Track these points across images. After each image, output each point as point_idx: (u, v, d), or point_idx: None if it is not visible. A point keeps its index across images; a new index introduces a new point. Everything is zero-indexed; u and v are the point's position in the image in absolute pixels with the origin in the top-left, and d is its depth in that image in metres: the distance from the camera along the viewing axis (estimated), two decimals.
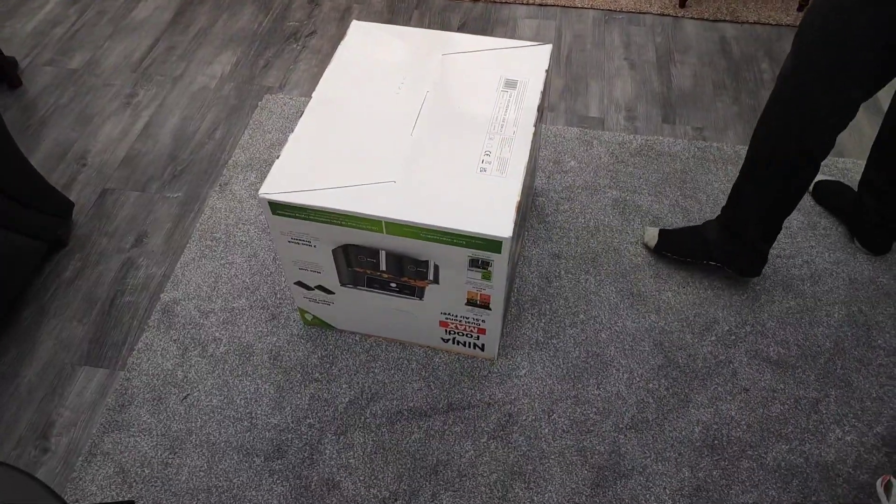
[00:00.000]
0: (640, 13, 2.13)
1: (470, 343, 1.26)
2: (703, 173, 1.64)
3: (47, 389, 1.29)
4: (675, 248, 1.42)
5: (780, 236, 1.49)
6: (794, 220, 1.53)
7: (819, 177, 1.59)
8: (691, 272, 1.44)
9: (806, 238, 1.49)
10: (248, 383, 1.28)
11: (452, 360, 1.30)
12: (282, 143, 1.72)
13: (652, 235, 1.45)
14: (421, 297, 1.18)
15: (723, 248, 1.36)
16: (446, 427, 1.22)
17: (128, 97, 1.86)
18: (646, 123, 1.78)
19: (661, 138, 1.72)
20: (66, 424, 1.24)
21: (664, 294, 1.41)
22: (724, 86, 1.88)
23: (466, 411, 1.24)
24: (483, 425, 1.22)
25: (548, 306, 1.39)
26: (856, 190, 1.48)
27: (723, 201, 1.58)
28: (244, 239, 1.51)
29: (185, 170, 1.67)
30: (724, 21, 2.11)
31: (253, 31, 2.07)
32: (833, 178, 1.58)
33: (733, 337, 1.34)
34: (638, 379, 1.28)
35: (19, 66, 1.95)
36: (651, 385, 1.27)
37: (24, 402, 1.27)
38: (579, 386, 1.27)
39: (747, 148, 1.24)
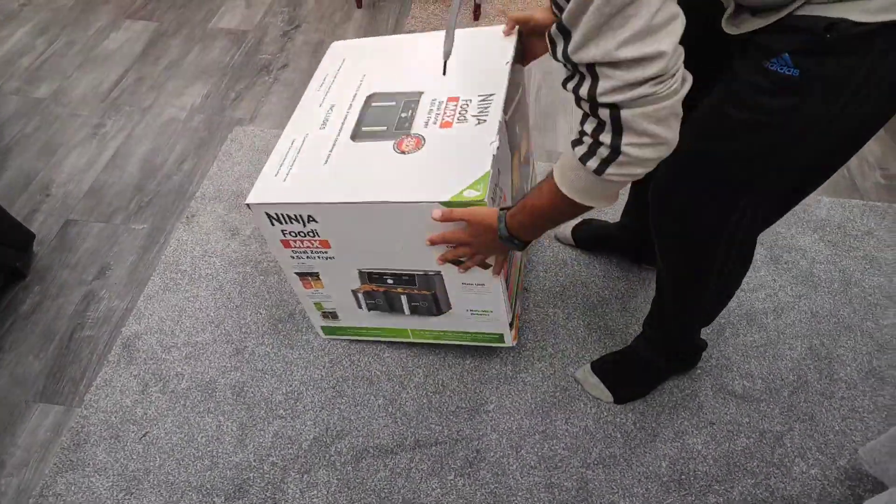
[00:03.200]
0: None
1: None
2: None
3: None
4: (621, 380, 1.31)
5: None
6: (757, 255, 1.55)
7: (573, 222, 1.55)
8: None
9: (769, 272, 1.52)
10: (210, 420, 1.25)
11: (420, 396, 1.29)
12: (250, 175, 1.71)
13: (592, 381, 1.31)
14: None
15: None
16: (413, 464, 1.20)
17: (95, 127, 1.84)
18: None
19: None
20: (17, 464, 1.20)
21: (632, 328, 1.42)
22: None
23: (433, 448, 1.22)
24: (450, 462, 1.20)
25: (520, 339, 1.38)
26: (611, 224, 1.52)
27: None
28: (210, 272, 1.49)
29: (152, 201, 1.65)
30: None
31: (225, 63, 2.08)
32: (585, 219, 1.55)
33: (699, 370, 1.34)
34: (605, 413, 1.28)
35: None
36: (618, 419, 1.27)
37: None
38: (547, 421, 1.26)
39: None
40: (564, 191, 0.84)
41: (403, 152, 1.08)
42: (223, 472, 1.18)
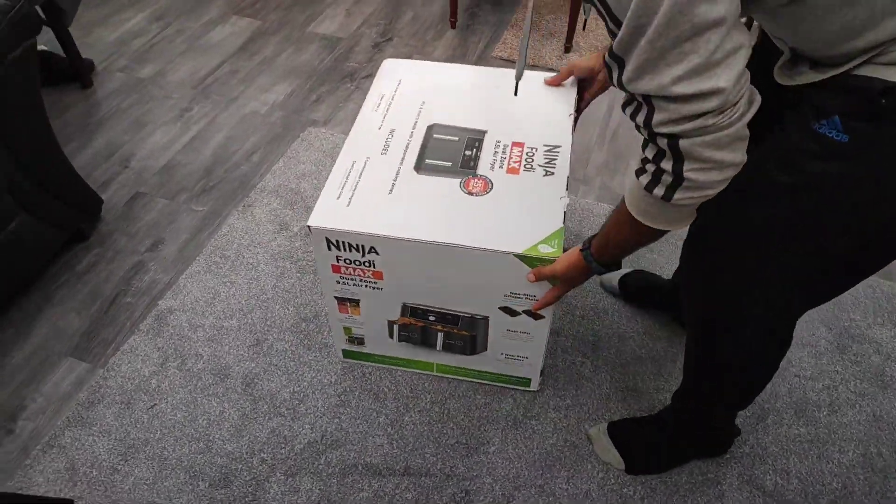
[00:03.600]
0: None
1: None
2: None
3: (29, 374, 1.31)
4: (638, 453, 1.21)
5: (802, 355, 1.38)
6: (821, 339, 1.41)
7: (623, 270, 1.48)
8: None
9: (832, 361, 1.37)
10: (216, 405, 1.27)
11: (423, 422, 1.25)
12: (312, 175, 1.74)
13: (605, 443, 1.22)
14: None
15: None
16: (398, 491, 1.16)
17: (183, 111, 1.95)
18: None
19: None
20: (36, 411, 1.26)
21: (662, 394, 1.32)
22: None
23: (423, 479, 1.18)
24: (436, 497, 1.16)
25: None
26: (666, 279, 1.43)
27: None
28: (252, 261, 1.53)
29: (216, 186, 1.72)
30: None
31: (314, 66, 2.15)
32: (636, 269, 1.49)
33: (727, 455, 1.22)
34: (613, 481, 1.19)
35: (95, 69, 2.08)
36: (626, 490, 1.18)
37: (5, 383, 1.30)
38: (548, 475, 1.19)
39: None
40: (639, 218, 0.82)
41: (471, 193, 1.07)
42: (214, 458, 1.19)
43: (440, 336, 1.20)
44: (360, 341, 1.27)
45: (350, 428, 1.24)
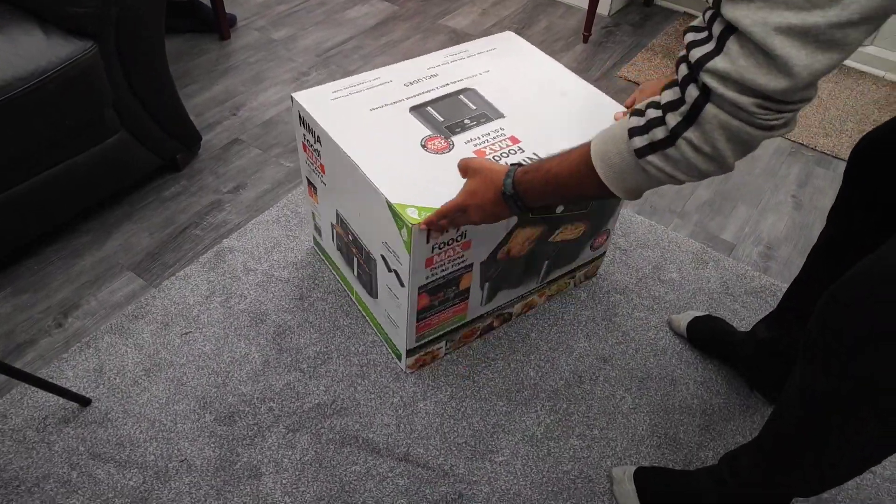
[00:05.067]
0: (835, 157, 1.86)
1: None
2: None
3: (92, 277, 1.40)
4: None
5: None
6: None
7: (694, 313, 1.35)
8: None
9: None
10: (243, 346, 1.28)
11: (436, 413, 1.19)
12: None
13: (628, 488, 1.09)
14: None
15: None
16: (390, 475, 1.10)
17: (301, 74, 2.03)
18: (782, 268, 1.53)
19: None
20: (87, 311, 1.33)
21: (704, 452, 1.17)
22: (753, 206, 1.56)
23: (419, 469, 1.11)
24: (427, 491, 1.09)
25: (564, 405, 1.22)
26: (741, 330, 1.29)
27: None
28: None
29: None
30: None
31: None
32: (712, 314, 1.35)
33: None
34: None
35: (236, 24, 2.22)
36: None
37: (71, 280, 1.39)
38: (551, 502, 1.08)
39: None
40: (595, 162, 0.74)
41: (424, 147, 1.08)
42: (226, 395, 1.20)
43: (355, 262, 1.25)
44: (319, 232, 1.39)
45: (362, 400, 1.20)
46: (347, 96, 1.16)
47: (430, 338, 1.20)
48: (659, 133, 0.66)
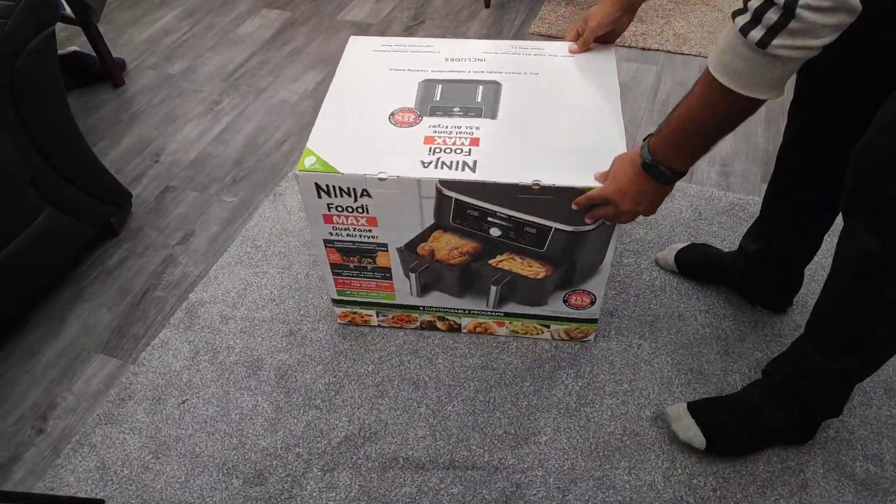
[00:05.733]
0: None
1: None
2: None
3: (60, 372, 1.27)
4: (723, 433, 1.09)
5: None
6: None
7: (678, 245, 1.37)
8: (769, 354, 1.21)
9: None
10: (249, 398, 1.20)
11: (467, 412, 1.16)
12: None
13: (686, 422, 1.08)
14: None
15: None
16: (443, 486, 1.07)
17: (212, 104, 1.91)
18: (741, 181, 1.57)
19: (757, 199, 1.51)
20: (66, 409, 1.22)
21: (731, 376, 1.19)
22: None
23: (470, 472, 1.08)
24: (484, 492, 1.06)
25: (588, 368, 1.21)
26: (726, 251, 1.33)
27: (820, 275, 1.34)
28: (283, 250, 1.46)
29: (247, 177, 1.67)
30: None
31: None
32: (697, 242, 1.37)
33: (811, 441, 1.09)
34: (680, 471, 1.07)
35: (127, 67, 2.06)
36: (695, 481, 1.06)
37: (37, 381, 1.26)
38: (607, 466, 1.08)
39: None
40: (719, 77, 0.70)
41: (391, 115, 1.09)
42: (248, 454, 1.12)
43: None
44: None
45: (389, 419, 1.15)
46: (386, 52, 1.22)
47: (356, 299, 1.23)
48: (772, 16, 0.63)
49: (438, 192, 1.01)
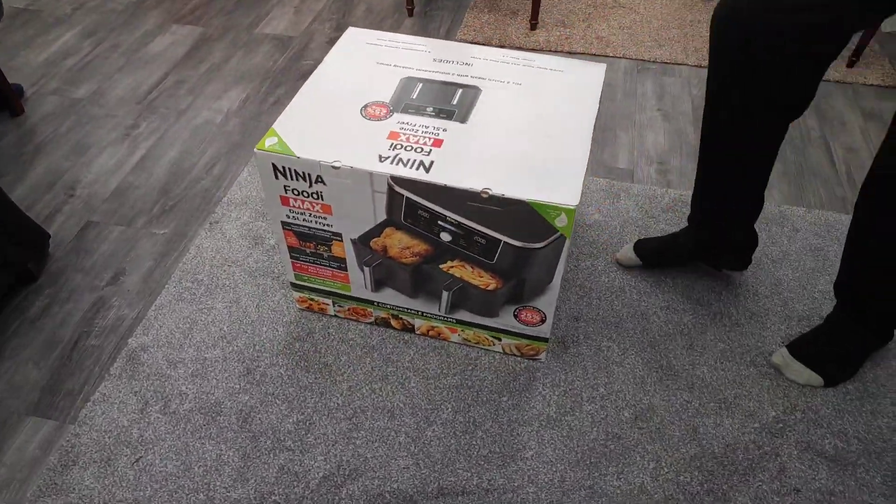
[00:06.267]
0: (675, 64, 2.00)
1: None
2: None
3: None
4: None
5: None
6: None
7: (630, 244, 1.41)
8: (731, 345, 1.24)
9: None
10: (211, 448, 1.11)
11: (448, 435, 1.12)
12: None
13: (796, 367, 1.18)
14: None
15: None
16: None
17: (128, 129, 1.77)
18: (679, 177, 1.62)
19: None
20: None
21: (699, 369, 1.21)
22: None
23: (460, 498, 1.04)
24: None
25: (562, 376, 1.20)
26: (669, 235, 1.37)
27: (769, 265, 1.39)
28: (228, 282, 1.37)
29: (177, 205, 1.56)
30: None
31: (267, 68, 1.99)
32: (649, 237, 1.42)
33: (780, 425, 1.13)
34: (666, 469, 1.08)
35: (24, 94, 1.88)
36: (682, 478, 1.07)
37: None
38: (596, 474, 1.07)
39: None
40: None
41: (364, 107, 1.10)
42: None
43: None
44: None
45: (368, 453, 1.10)
46: (380, 46, 1.23)
47: (313, 285, 1.23)
48: None
49: (390, 188, 1.00)
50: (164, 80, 1.95)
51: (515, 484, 1.06)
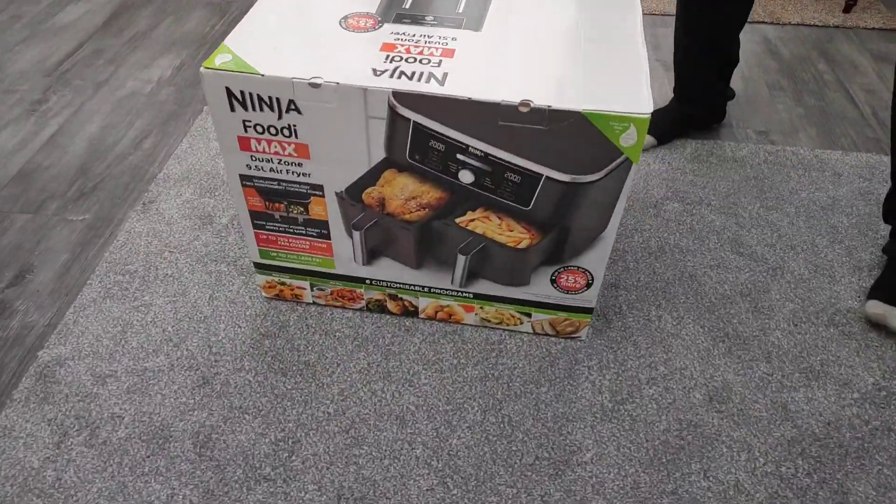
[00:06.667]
0: (666, 15, 1.81)
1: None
2: (784, 181, 1.27)
3: None
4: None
5: None
6: None
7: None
8: (801, 304, 1.03)
9: None
10: (159, 487, 0.81)
11: (479, 441, 0.85)
12: None
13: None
14: None
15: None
16: None
17: (34, 104, 1.45)
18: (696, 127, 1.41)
19: (720, 142, 1.35)
20: None
21: (771, 335, 0.99)
22: (781, 87, 1.54)
23: None
24: None
25: (610, 356, 0.96)
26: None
27: (819, 213, 1.19)
28: (170, 272, 1.07)
29: (99, 186, 1.24)
30: (763, 23, 1.81)
31: (203, 34, 1.70)
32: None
33: (883, 392, 0.91)
34: (762, 460, 0.84)
35: None
36: (784, 469, 0.83)
37: None
38: (677, 475, 0.83)
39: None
40: None
41: (344, 19, 0.84)
42: None
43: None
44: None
45: (377, 475, 0.82)
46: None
47: (284, 263, 0.96)
48: None
49: (392, 110, 0.74)
50: (78, 50, 1.63)
51: (577, 497, 0.80)
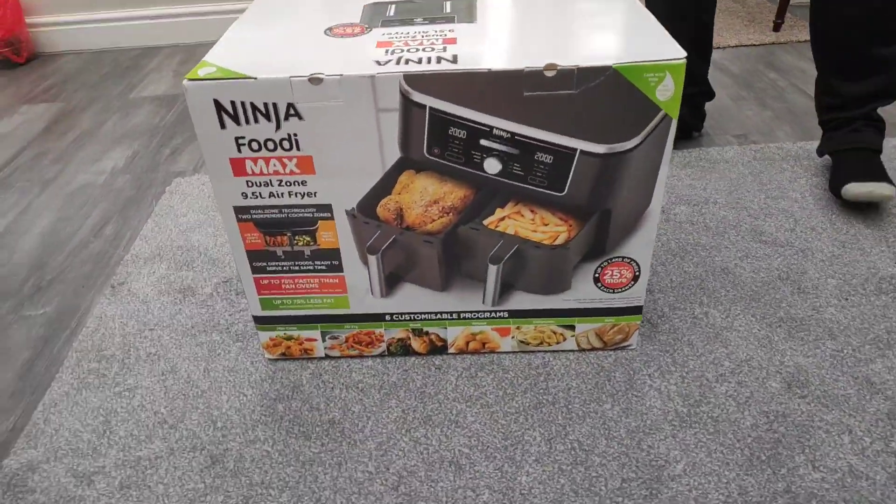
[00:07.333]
0: None
1: None
2: (779, 171, 1.25)
3: None
4: None
5: None
6: None
7: None
8: (844, 279, 0.97)
9: None
10: None
11: (552, 474, 0.73)
12: (202, 225, 1.20)
13: None
14: None
15: None
16: None
17: None
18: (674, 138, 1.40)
19: (704, 149, 1.34)
20: None
21: (825, 311, 0.92)
22: (743, 97, 1.57)
23: None
24: None
25: (668, 359, 0.86)
26: None
27: (820, 194, 1.17)
28: (154, 350, 0.93)
29: (57, 278, 1.11)
30: None
31: (154, 124, 1.63)
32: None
33: None
34: (867, 439, 0.74)
35: None
36: (894, 444, 0.74)
37: None
38: (783, 471, 0.72)
39: None
40: None
41: (331, 27, 0.78)
42: None
43: None
44: None
45: None
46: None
47: (290, 312, 0.84)
48: None
49: (405, 97, 0.67)
50: (18, 156, 1.52)
51: None
